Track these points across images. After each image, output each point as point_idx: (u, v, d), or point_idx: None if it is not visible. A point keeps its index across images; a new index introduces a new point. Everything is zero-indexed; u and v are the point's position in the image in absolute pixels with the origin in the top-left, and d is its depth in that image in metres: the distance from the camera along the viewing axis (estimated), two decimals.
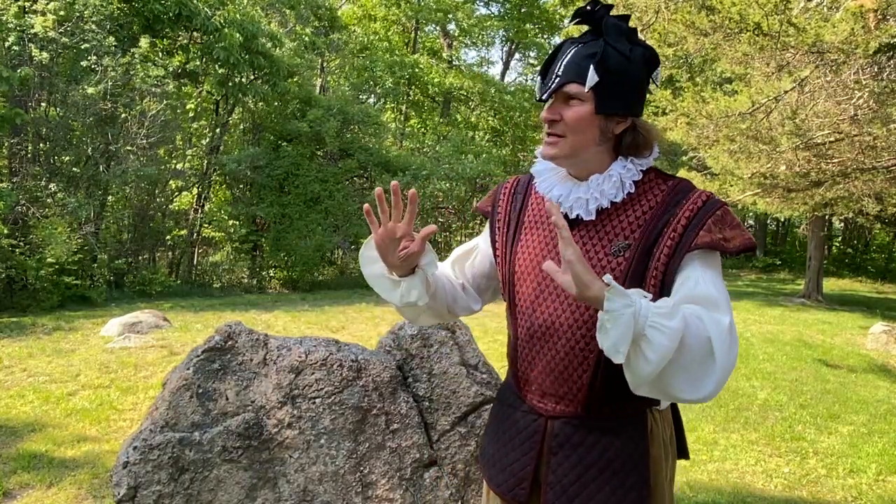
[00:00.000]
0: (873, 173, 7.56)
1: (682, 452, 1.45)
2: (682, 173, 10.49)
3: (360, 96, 18.21)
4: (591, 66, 1.19)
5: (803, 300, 12.81)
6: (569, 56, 1.22)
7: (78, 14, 9.53)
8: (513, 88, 20.62)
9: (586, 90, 1.20)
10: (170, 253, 12.47)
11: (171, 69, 11.08)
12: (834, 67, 5.58)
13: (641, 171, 1.28)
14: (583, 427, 1.32)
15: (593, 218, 1.28)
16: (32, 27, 8.92)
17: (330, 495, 2.33)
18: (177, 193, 12.78)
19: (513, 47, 23.54)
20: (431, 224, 1.30)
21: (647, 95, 1.36)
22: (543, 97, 1.25)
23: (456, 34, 21.90)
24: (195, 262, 12.76)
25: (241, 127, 14.13)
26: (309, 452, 2.34)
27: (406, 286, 1.35)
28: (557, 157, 1.27)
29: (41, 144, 9.79)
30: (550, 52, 1.29)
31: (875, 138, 6.49)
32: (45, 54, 9.00)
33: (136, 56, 10.03)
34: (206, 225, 13.04)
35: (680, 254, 1.21)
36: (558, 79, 1.22)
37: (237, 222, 13.27)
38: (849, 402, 5.56)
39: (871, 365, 7.15)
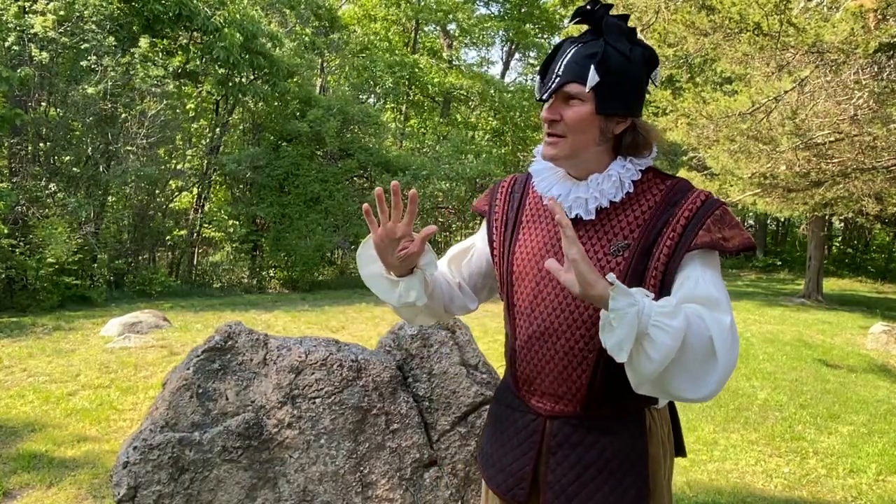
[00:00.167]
0: (873, 173, 7.56)
1: (680, 450, 1.45)
2: (682, 173, 10.50)
3: (360, 96, 18.21)
4: (592, 67, 1.19)
5: (803, 300, 12.81)
6: (569, 56, 1.22)
7: (78, 14, 9.53)
8: (513, 88, 20.62)
9: (587, 90, 1.20)
10: (170, 253, 12.48)
11: (171, 69, 11.08)
12: (834, 67, 5.57)
13: (640, 170, 1.28)
14: (581, 427, 1.32)
15: (593, 217, 1.28)
16: (32, 27, 8.93)
17: (330, 495, 2.33)
18: (177, 193, 12.78)
19: (513, 47, 23.54)
20: (431, 224, 1.29)
21: (647, 95, 1.36)
22: (543, 97, 1.24)
23: (456, 34, 21.90)
24: (195, 262, 12.77)
25: (241, 127, 14.14)
26: (309, 452, 2.34)
27: (404, 286, 1.34)
28: (557, 158, 1.27)
29: (41, 144, 9.79)
30: (550, 51, 1.28)
31: (875, 138, 6.49)
32: (45, 54, 9.00)
33: (136, 56, 10.04)
34: (206, 225, 13.05)
35: (679, 254, 1.21)
36: (558, 78, 1.22)
37: (237, 222, 13.28)
38: (849, 402, 5.56)
39: (871, 365, 7.15)
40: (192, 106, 12.70)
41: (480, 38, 22.28)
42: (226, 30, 11.00)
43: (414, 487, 2.41)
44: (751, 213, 18.49)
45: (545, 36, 22.61)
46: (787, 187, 8.67)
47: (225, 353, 2.39)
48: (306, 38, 15.07)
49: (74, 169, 9.90)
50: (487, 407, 2.51)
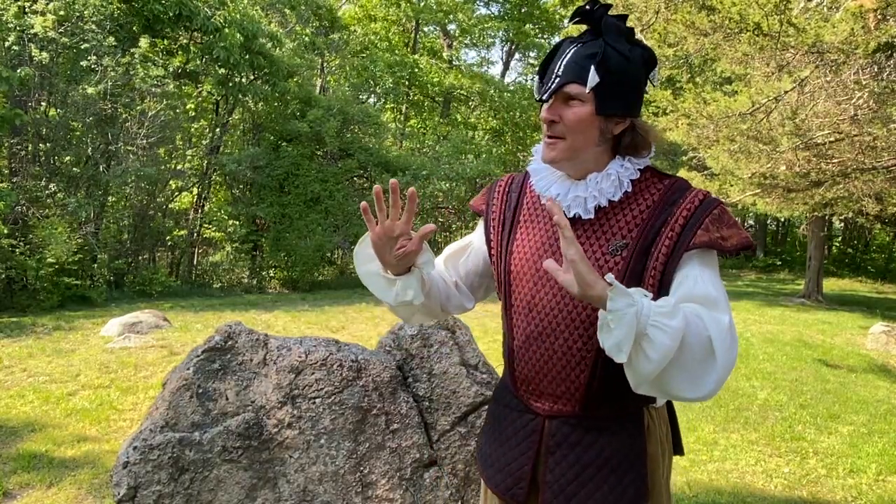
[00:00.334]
0: (873, 173, 7.55)
1: (678, 449, 1.45)
2: (682, 173, 10.50)
3: (360, 96, 18.21)
4: (593, 67, 1.19)
5: (803, 300, 12.81)
6: (568, 56, 1.22)
7: (78, 14, 9.53)
8: (512, 88, 20.62)
9: (587, 91, 1.20)
10: (170, 253, 12.48)
11: (171, 69, 11.08)
12: (834, 67, 5.57)
13: (639, 169, 1.28)
14: (580, 426, 1.32)
15: (592, 217, 1.28)
16: (32, 27, 8.93)
17: (330, 495, 2.33)
18: (177, 193, 12.78)
19: (513, 47, 23.54)
20: (431, 224, 1.28)
21: (646, 96, 1.36)
22: (543, 97, 1.24)
23: (456, 34, 21.90)
24: (195, 262, 12.77)
25: (241, 127, 14.14)
26: (309, 452, 2.34)
27: (402, 285, 1.34)
28: (557, 161, 1.27)
29: (41, 144, 9.79)
30: (549, 51, 1.28)
31: (875, 138, 6.49)
32: (45, 54, 9.00)
33: (136, 56, 10.03)
34: (206, 225, 13.05)
35: (678, 253, 1.21)
36: (558, 79, 1.21)
37: (237, 222, 13.28)
38: (849, 402, 5.56)
39: (871, 365, 7.15)
40: (192, 106, 12.70)
41: (480, 38, 22.28)
42: (226, 30, 11.00)
43: (414, 487, 2.41)
44: (751, 213, 18.49)
45: (545, 36, 22.61)
46: (787, 187, 8.67)
47: (225, 353, 2.39)
48: (306, 38, 15.06)
49: (74, 169, 9.91)
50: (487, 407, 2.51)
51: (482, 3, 22.12)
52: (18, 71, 8.56)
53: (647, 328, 1.05)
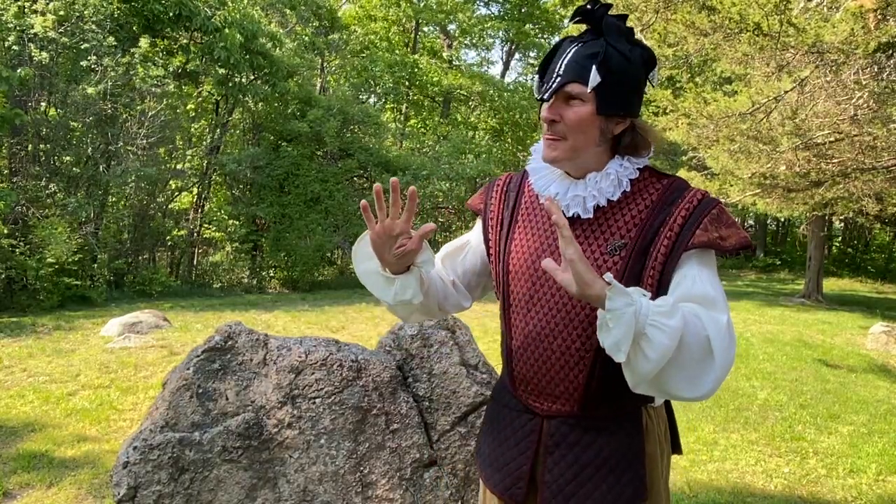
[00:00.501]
0: (873, 173, 7.56)
1: (676, 448, 1.45)
2: (682, 173, 10.50)
3: (360, 96, 18.22)
4: (594, 67, 1.18)
5: (803, 300, 12.81)
6: (569, 55, 1.22)
7: (78, 14, 9.53)
8: (512, 88, 20.63)
9: (588, 90, 1.20)
10: (170, 253, 12.48)
11: (171, 69, 11.08)
12: (834, 67, 5.57)
13: (638, 169, 1.28)
14: (579, 426, 1.32)
15: (591, 216, 1.28)
16: (32, 27, 8.93)
17: (330, 495, 2.33)
18: (177, 193, 12.78)
19: (513, 47, 23.55)
20: (431, 223, 1.28)
21: (646, 95, 1.36)
22: (544, 97, 1.23)
23: (456, 34, 21.91)
24: (195, 262, 12.77)
25: (241, 127, 14.14)
26: (309, 452, 2.34)
27: (400, 284, 1.34)
28: (559, 160, 1.27)
29: (41, 144, 9.79)
30: (549, 50, 1.28)
31: (875, 138, 6.49)
32: (45, 54, 9.00)
33: (136, 56, 10.04)
34: (206, 225, 13.05)
35: (677, 253, 1.21)
36: (559, 78, 1.21)
37: (237, 222, 13.28)
38: (849, 402, 5.56)
39: (871, 365, 7.15)
40: (192, 106, 12.70)
41: (480, 38, 22.28)
42: (226, 30, 11.01)
43: (414, 487, 2.41)
44: (751, 213, 18.50)
45: (545, 36, 22.61)
46: (787, 187, 8.67)
47: (225, 353, 2.39)
48: (306, 38, 15.07)
49: (74, 169, 9.91)
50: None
51: (482, 3, 22.14)
52: (18, 71, 8.56)
53: (646, 327, 1.05)
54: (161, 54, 11.34)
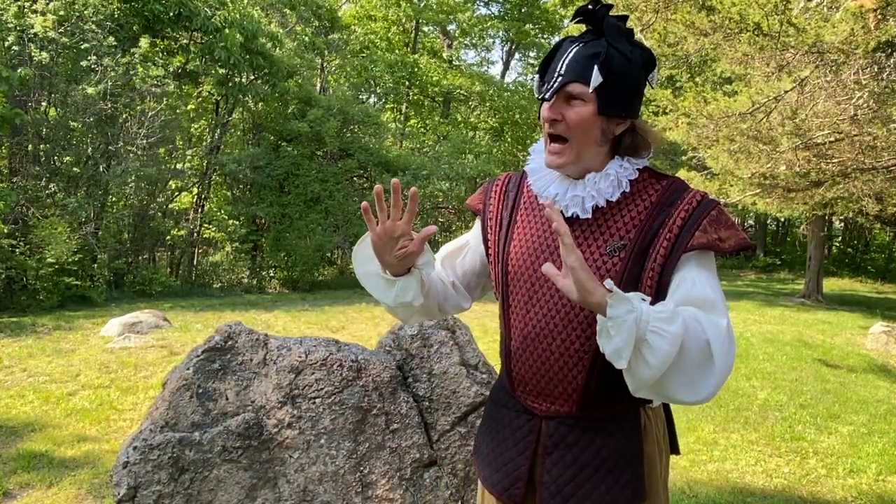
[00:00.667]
0: (873, 173, 7.55)
1: (674, 449, 1.45)
2: (682, 173, 10.50)
3: (360, 96, 18.22)
4: (596, 67, 1.18)
5: (803, 300, 12.81)
6: (570, 55, 1.22)
7: (78, 14, 9.53)
8: (512, 88, 20.63)
9: (590, 90, 1.19)
10: (170, 253, 12.48)
11: (171, 69, 11.08)
12: (834, 67, 5.57)
13: (637, 169, 1.28)
14: (577, 427, 1.32)
15: (590, 217, 1.28)
16: (32, 27, 8.93)
17: (330, 495, 2.33)
18: (177, 193, 12.78)
19: (513, 47, 23.55)
20: (431, 225, 1.27)
21: (645, 95, 1.36)
22: (546, 97, 1.23)
23: (456, 34, 21.91)
24: (195, 262, 12.77)
25: (241, 127, 14.14)
26: (309, 452, 2.34)
27: (401, 286, 1.34)
28: (565, 167, 1.27)
29: (41, 144, 9.79)
30: (549, 50, 1.28)
31: (875, 138, 6.49)
32: (45, 54, 9.00)
33: (136, 56, 10.04)
34: (206, 225, 13.05)
35: (676, 255, 1.21)
36: (560, 78, 1.21)
37: (237, 222, 13.28)
38: (849, 402, 5.56)
39: (871, 365, 7.15)
40: (192, 106, 12.69)
41: (480, 38, 22.28)
42: (226, 30, 11.00)
43: (414, 487, 2.41)
44: (751, 213, 18.50)
45: (545, 36, 22.61)
46: (787, 187, 8.67)
47: (225, 353, 2.39)
48: (306, 38, 15.07)
49: (74, 169, 9.91)
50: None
51: (482, 3, 22.14)
52: (18, 71, 8.56)
53: (647, 334, 1.05)
54: (161, 54, 11.34)
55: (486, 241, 1.46)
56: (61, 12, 9.33)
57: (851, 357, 7.51)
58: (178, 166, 12.71)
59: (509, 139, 20.45)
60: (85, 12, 9.58)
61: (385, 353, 2.61)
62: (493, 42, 23.46)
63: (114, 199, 11.12)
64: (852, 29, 4.95)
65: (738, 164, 8.31)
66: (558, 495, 1.31)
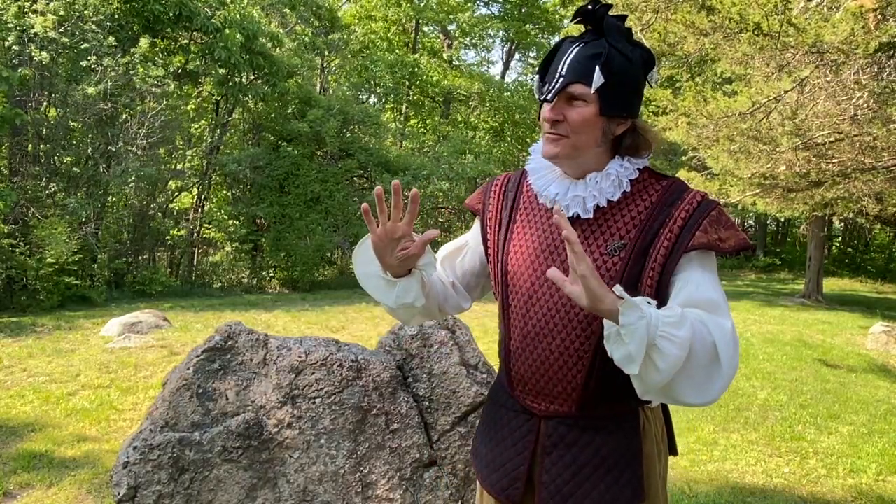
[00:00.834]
0: (873, 173, 7.55)
1: (672, 449, 1.46)
2: (682, 173, 10.49)
3: (360, 96, 18.21)
4: (597, 68, 1.18)
5: (803, 300, 12.81)
6: (571, 56, 1.21)
7: (78, 14, 9.54)
8: (512, 88, 20.63)
9: (592, 91, 1.19)
10: (170, 253, 12.48)
11: (171, 69, 11.08)
12: (834, 67, 5.57)
13: (637, 169, 1.29)
14: (577, 426, 1.32)
15: (591, 216, 1.28)
16: (32, 27, 8.93)
17: (330, 495, 2.33)
18: (177, 193, 12.78)
19: (513, 47, 23.56)
20: (433, 228, 1.27)
21: (645, 95, 1.36)
22: (548, 97, 1.23)
23: (456, 34, 21.91)
24: (195, 262, 12.77)
25: (241, 127, 14.14)
26: (309, 452, 2.34)
27: (402, 287, 1.34)
28: (559, 157, 1.27)
29: (41, 144, 9.79)
30: (549, 50, 1.28)
31: (875, 138, 6.49)
32: (45, 54, 9.00)
33: (136, 56, 10.04)
34: (206, 225, 13.05)
35: (677, 255, 1.21)
36: (562, 79, 1.21)
37: (237, 222, 13.28)
38: (849, 402, 5.56)
39: (871, 365, 7.14)
40: (192, 106, 12.69)
41: (480, 38, 22.28)
42: (226, 30, 11.01)
43: (414, 487, 2.41)
44: (751, 213, 18.49)
45: (545, 36, 22.62)
46: (787, 187, 8.67)
47: (225, 353, 2.39)
48: (306, 38, 15.07)
49: (74, 169, 9.91)
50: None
51: (482, 3, 22.14)
52: (18, 71, 8.56)
53: (657, 339, 1.05)
54: (161, 54, 11.34)
55: (485, 241, 1.46)
56: (61, 12, 9.33)
57: (851, 357, 7.51)
58: (178, 166, 12.70)
59: (509, 139, 20.45)
60: (85, 12, 9.58)
61: (385, 353, 2.61)
62: (493, 42, 23.53)
63: (114, 199, 11.12)
64: (852, 29, 4.95)
65: (738, 164, 8.30)
66: (557, 495, 1.31)
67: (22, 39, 8.92)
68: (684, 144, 8.87)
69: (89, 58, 9.51)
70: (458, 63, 22.01)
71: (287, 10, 15.31)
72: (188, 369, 2.33)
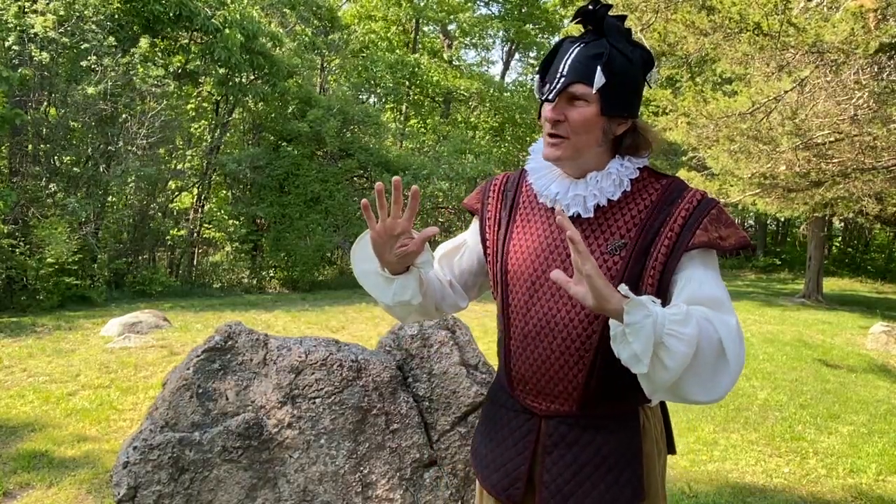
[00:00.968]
0: (873, 173, 7.55)
1: (670, 447, 1.46)
2: (682, 173, 10.49)
3: (360, 96, 18.22)
4: (599, 68, 1.18)
5: (803, 300, 12.81)
6: (572, 56, 1.21)
7: (78, 14, 9.54)
8: (512, 88, 20.64)
9: (594, 91, 1.19)
10: (170, 253, 12.48)
11: (171, 69, 11.08)
12: (834, 67, 5.57)
13: (637, 168, 1.29)
14: (577, 426, 1.32)
15: (591, 216, 1.28)
16: (32, 27, 8.93)
17: (330, 495, 2.33)
18: (177, 193, 12.78)
19: (513, 47, 23.56)
20: (432, 226, 1.27)
21: (644, 95, 1.36)
22: (549, 97, 1.23)
23: (456, 34, 21.92)
24: (195, 262, 12.77)
25: (241, 127, 14.14)
26: (309, 452, 2.34)
27: (400, 284, 1.34)
28: (561, 160, 1.27)
29: (41, 144, 9.79)
30: (549, 50, 1.28)
31: (875, 138, 6.49)
32: (45, 54, 9.00)
33: (136, 56, 10.04)
34: (206, 225, 13.05)
35: (678, 254, 1.21)
36: (563, 79, 1.21)
37: (237, 222, 13.28)
38: (849, 402, 5.56)
39: (871, 365, 7.14)
40: (192, 106, 12.69)
41: (480, 38, 22.29)
42: (226, 30, 11.01)
43: (414, 487, 2.41)
44: (751, 213, 18.50)
45: (545, 36, 22.63)
46: (787, 187, 8.67)
47: (225, 353, 2.39)
48: (306, 38, 15.07)
49: (74, 169, 9.91)
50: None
51: (482, 3, 22.15)
52: (18, 71, 8.56)
53: (664, 337, 1.05)
54: (161, 54, 11.34)
55: (484, 240, 1.46)
56: (61, 12, 9.33)
57: (851, 357, 7.51)
58: (178, 166, 12.70)
59: (509, 139, 20.45)
60: (85, 12, 9.58)
61: (385, 353, 2.61)
62: (493, 42, 23.50)
63: (114, 199, 11.12)
64: (852, 29, 4.95)
65: (738, 164, 8.30)
66: (558, 494, 1.31)
67: (22, 39, 8.92)
68: (684, 144, 8.87)
69: (89, 58, 9.51)
70: (458, 63, 22.01)
71: (287, 10, 15.31)
72: (188, 369, 2.33)
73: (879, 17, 5.44)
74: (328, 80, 17.63)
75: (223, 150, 13.19)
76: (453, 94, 19.87)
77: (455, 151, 15.92)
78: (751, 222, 22.49)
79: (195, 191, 12.79)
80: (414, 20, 19.83)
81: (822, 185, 8.14)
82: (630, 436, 1.31)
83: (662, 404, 1.44)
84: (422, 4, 19.25)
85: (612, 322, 1.10)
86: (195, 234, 12.57)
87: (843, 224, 20.40)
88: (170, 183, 12.18)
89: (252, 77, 12.49)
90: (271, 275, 13.34)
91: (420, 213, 13.74)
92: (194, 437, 2.25)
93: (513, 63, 24.48)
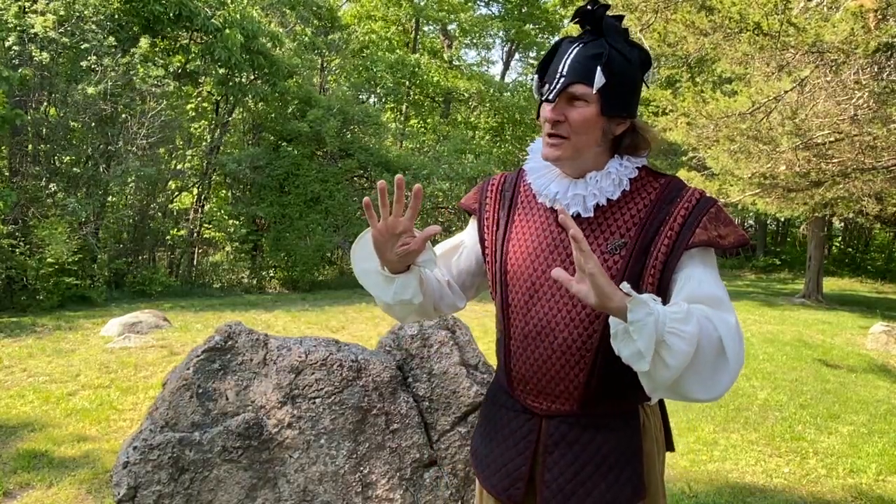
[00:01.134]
0: (873, 173, 7.55)
1: (669, 445, 1.46)
2: (681, 173, 10.50)
3: (360, 96, 18.21)
4: (599, 68, 1.18)
5: (803, 300, 12.81)
6: (572, 56, 1.21)
7: (78, 14, 9.54)
8: (511, 88, 20.64)
9: (594, 92, 1.20)
10: (170, 253, 12.48)
11: (171, 69, 11.08)
12: (834, 67, 5.57)
13: (636, 168, 1.29)
14: (578, 425, 1.32)
15: (591, 215, 1.28)
16: (32, 27, 8.93)
17: (330, 495, 2.33)
18: (177, 193, 12.78)
19: (513, 47, 23.56)
20: (433, 225, 1.27)
21: (643, 95, 1.36)
22: (549, 97, 1.23)
23: (456, 34, 21.92)
24: (195, 262, 12.77)
25: (241, 127, 14.14)
26: (309, 452, 2.34)
27: (400, 283, 1.33)
28: (561, 160, 1.27)
29: (41, 144, 9.79)
30: (547, 50, 1.28)
31: (875, 138, 6.49)
32: (45, 54, 9.00)
33: (136, 56, 10.04)
34: (206, 225, 13.05)
35: (677, 252, 1.21)
36: (563, 79, 1.21)
37: (237, 222, 13.28)
38: (849, 402, 5.56)
39: (871, 365, 7.14)
40: (192, 106, 12.70)
41: (480, 38, 22.29)
42: (226, 30, 11.01)
43: (414, 487, 2.41)
44: (751, 213, 18.49)
45: (545, 36, 22.63)
46: (787, 187, 8.67)
47: (225, 353, 2.39)
48: (306, 38, 15.07)
49: (74, 169, 9.91)
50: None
51: (482, 3, 22.15)
52: (18, 71, 8.56)
53: (665, 335, 1.05)
54: (161, 54, 11.34)
55: (482, 240, 1.46)
56: (61, 12, 9.33)
57: (851, 357, 7.51)
58: (178, 166, 12.70)
59: (509, 139, 20.45)
60: (85, 12, 9.58)
61: (385, 353, 2.61)
62: (493, 42, 23.50)
63: (114, 199, 11.12)
64: (852, 29, 4.95)
65: (738, 164, 8.30)
66: (559, 494, 1.31)
67: (22, 39, 8.92)
68: (684, 144, 8.87)
69: (89, 58, 9.51)
70: (458, 63, 22.01)
71: (287, 10, 15.31)
72: (188, 369, 2.33)
73: (879, 17, 5.44)
74: (328, 80, 17.62)
75: (223, 150, 13.19)
76: (453, 94, 19.86)
77: (455, 151, 15.92)
78: (751, 222, 22.49)
79: (195, 191, 12.79)
80: (414, 20, 19.83)
81: (822, 185, 8.14)
82: (630, 434, 1.31)
83: (661, 402, 1.44)
84: (422, 4, 19.25)
85: (612, 320, 1.10)
86: (195, 234, 12.57)
87: (843, 224, 20.40)
88: (170, 183, 12.18)
89: (252, 77, 12.49)
90: (271, 275, 13.34)
91: (420, 213, 13.71)
92: (194, 437, 2.25)
93: (513, 63, 24.51)
